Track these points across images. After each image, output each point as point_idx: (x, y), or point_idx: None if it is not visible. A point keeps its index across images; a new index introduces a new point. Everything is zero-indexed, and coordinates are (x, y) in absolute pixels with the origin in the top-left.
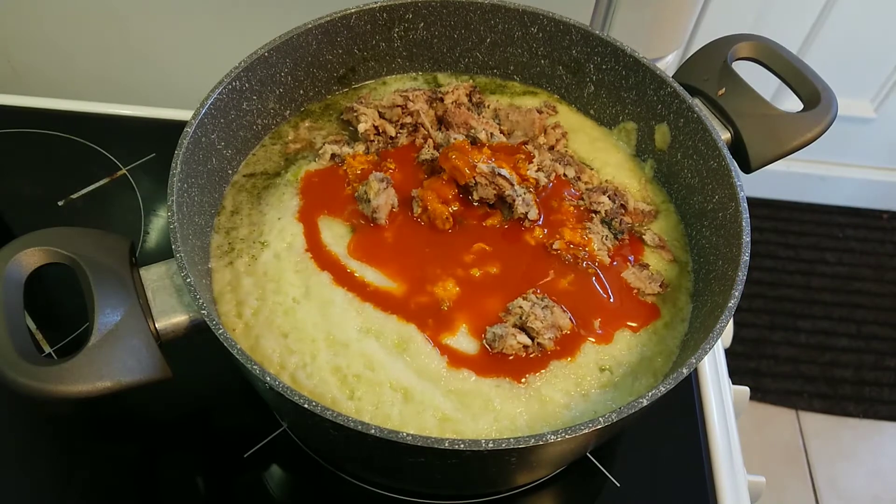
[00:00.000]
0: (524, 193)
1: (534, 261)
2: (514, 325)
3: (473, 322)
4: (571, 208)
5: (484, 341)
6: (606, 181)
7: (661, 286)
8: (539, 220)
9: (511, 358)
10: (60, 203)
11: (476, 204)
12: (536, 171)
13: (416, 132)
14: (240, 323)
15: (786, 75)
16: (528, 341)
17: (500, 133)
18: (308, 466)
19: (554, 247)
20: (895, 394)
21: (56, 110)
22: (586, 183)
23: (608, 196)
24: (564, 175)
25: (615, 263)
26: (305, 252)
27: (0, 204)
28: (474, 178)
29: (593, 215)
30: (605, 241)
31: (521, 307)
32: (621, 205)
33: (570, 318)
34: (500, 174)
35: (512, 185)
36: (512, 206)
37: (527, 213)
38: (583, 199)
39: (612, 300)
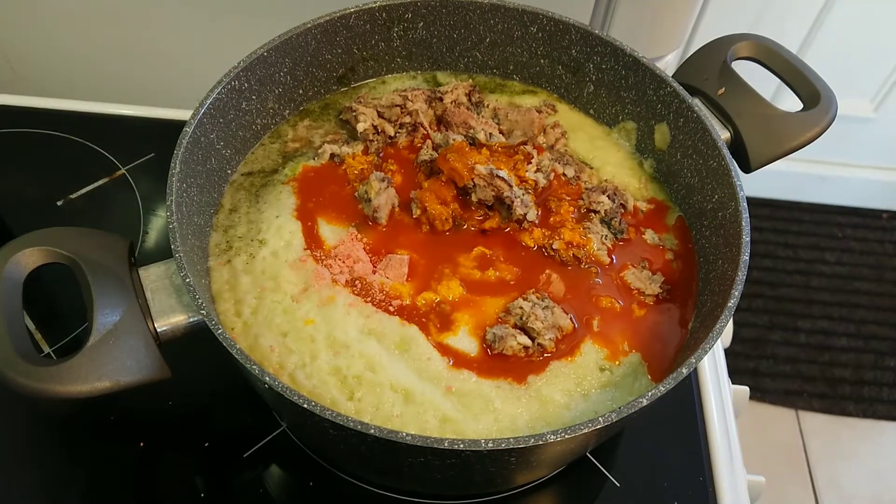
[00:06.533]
0: (522, 195)
1: (533, 261)
2: (515, 326)
3: (474, 323)
4: (571, 208)
5: (484, 342)
6: (606, 180)
7: (661, 286)
8: (538, 220)
9: (511, 358)
10: (59, 203)
11: (475, 205)
12: (535, 172)
13: (414, 132)
14: (238, 322)
15: (785, 75)
16: (528, 342)
17: (500, 132)
18: (308, 466)
19: (553, 247)
20: (894, 393)
21: (55, 110)
22: (586, 182)
23: (608, 195)
24: (564, 174)
25: (615, 263)
26: (304, 250)
27: None
28: (472, 179)
29: (593, 215)
30: (604, 241)
31: (521, 308)
32: (621, 204)
33: (570, 319)
34: (498, 176)
35: (510, 186)
36: (511, 207)
37: (525, 214)
38: (582, 198)
39: (612, 300)
